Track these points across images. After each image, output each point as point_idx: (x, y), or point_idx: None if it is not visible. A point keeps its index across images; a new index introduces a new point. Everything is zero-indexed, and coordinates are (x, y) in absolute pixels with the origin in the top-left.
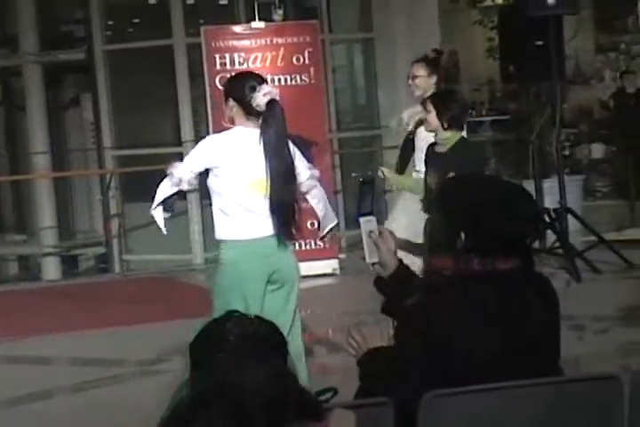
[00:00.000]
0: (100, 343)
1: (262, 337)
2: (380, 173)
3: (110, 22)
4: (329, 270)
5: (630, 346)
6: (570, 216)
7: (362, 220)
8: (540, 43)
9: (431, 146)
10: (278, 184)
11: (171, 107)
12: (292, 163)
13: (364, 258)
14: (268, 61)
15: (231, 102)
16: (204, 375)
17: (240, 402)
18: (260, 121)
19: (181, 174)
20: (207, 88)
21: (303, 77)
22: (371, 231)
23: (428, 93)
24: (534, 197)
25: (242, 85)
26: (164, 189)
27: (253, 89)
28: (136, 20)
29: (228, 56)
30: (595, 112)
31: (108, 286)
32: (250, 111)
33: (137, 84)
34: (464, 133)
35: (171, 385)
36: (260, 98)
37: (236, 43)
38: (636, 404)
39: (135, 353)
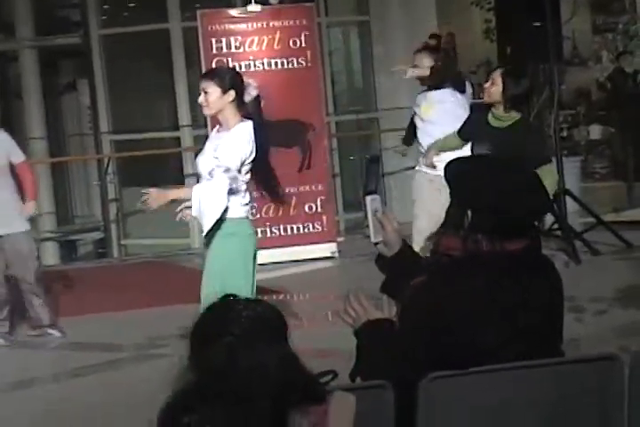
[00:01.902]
0: (99, 328)
1: (270, 319)
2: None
3: (106, 6)
4: (328, 254)
5: (629, 326)
6: (568, 198)
7: (368, 198)
8: (537, 24)
9: (486, 122)
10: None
11: (167, 91)
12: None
13: (368, 236)
14: (264, 45)
15: (232, 92)
16: (209, 359)
17: (248, 385)
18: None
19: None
20: (203, 72)
21: (300, 60)
22: (376, 211)
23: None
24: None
25: (240, 78)
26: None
27: (244, 82)
28: (132, 4)
29: (224, 40)
30: (592, 93)
31: (107, 270)
32: (240, 103)
33: (133, 69)
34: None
35: (170, 369)
36: (252, 91)
37: (232, 26)
38: (636, 384)
39: (134, 338)
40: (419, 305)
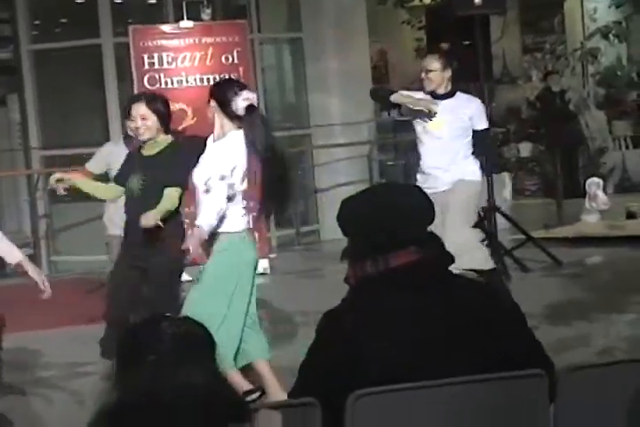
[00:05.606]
0: (27, 346)
1: (197, 337)
2: None
3: (37, 22)
4: (260, 270)
5: (558, 344)
6: (498, 215)
7: None
8: (467, 43)
9: (138, 148)
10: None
11: (99, 106)
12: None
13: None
14: (196, 61)
15: (212, 103)
16: (135, 377)
17: (174, 403)
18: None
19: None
20: (135, 87)
21: (232, 77)
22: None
23: (441, 89)
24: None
25: (225, 89)
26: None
27: (235, 93)
28: (63, 20)
29: (156, 55)
30: (522, 111)
31: (36, 287)
32: (229, 113)
33: (64, 84)
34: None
35: (98, 387)
36: (240, 102)
37: (164, 42)
38: (562, 401)
39: (62, 356)
40: (329, 333)
